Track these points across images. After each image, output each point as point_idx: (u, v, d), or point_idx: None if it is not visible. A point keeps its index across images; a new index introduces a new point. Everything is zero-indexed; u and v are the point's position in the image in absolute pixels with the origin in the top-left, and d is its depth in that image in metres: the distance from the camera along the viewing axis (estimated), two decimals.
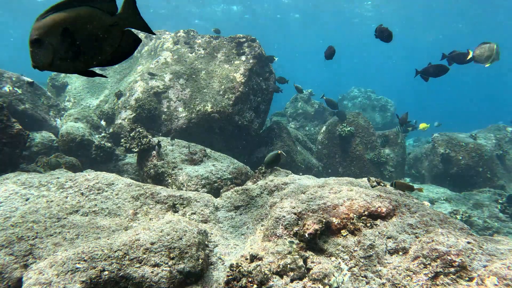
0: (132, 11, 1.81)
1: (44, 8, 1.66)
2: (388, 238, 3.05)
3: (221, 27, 11.99)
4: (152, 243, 3.05)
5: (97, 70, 11.24)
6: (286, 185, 4.77)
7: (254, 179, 5.89)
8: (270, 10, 33.31)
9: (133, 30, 1.90)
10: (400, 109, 19.77)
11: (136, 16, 1.84)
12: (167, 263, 2.93)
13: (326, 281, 2.71)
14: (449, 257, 2.65)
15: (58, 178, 4.37)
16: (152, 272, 2.84)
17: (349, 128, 10.71)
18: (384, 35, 5.37)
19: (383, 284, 2.72)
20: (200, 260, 3.09)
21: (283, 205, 3.63)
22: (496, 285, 2.41)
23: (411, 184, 3.98)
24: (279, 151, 5.61)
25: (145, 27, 1.90)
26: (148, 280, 2.78)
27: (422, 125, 10.57)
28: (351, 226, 3.19)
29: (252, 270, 2.75)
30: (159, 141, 6.49)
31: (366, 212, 3.28)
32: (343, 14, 32.66)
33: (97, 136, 8.33)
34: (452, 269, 2.60)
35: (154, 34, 1.96)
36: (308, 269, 2.81)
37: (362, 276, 2.81)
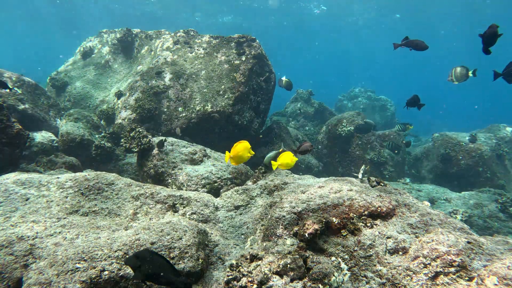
0: None
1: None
2: (388, 237, 3.05)
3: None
4: (152, 243, 3.05)
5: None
6: (286, 185, 4.77)
7: (254, 179, 5.89)
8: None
9: None
10: (400, 109, 19.81)
11: None
12: None
13: (326, 280, 2.71)
14: (449, 257, 2.65)
15: (58, 178, 4.37)
16: None
17: (349, 128, 10.71)
18: (492, 32, 4.31)
19: (383, 283, 2.72)
20: (200, 260, 3.09)
21: (283, 205, 3.63)
22: (496, 284, 2.41)
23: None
24: (281, 149, 5.54)
25: None
26: None
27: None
28: (351, 226, 3.19)
29: (252, 270, 2.75)
30: (165, 139, 6.52)
31: (366, 212, 3.28)
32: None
33: (97, 136, 8.33)
34: (452, 269, 2.60)
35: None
36: (308, 269, 2.81)
37: (362, 276, 2.81)
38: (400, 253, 2.91)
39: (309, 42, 47.54)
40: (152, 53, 10.32)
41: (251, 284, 2.64)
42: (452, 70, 5.48)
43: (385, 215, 3.29)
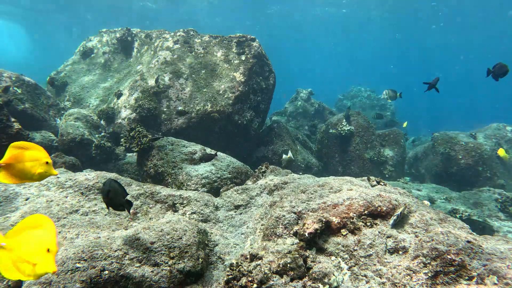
0: None
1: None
2: (388, 237, 3.05)
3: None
4: (152, 243, 3.05)
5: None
6: (286, 184, 4.77)
7: (254, 179, 5.89)
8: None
9: None
10: (399, 109, 19.81)
11: None
12: (167, 263, 2.93)
13: (326, 280, 2.71)
14: (449, 256, 2.65)
15: (58, 177, 4.37)
16: (152, 271, 2.84)
17: (349, 128, 10.71)
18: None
19: (383, 283, 2.72)
20: (200, 259, 3.09)
21: (283, 204, 3.63)
22: (496, 284, 2.42)
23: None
24: (289, 155, 6.52)
25: None
26: (148, 279, 2.78)
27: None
28: (351, 225, 3.19)
29: (252, 269, 2.75)
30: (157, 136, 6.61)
31: (366, 211, 3.28)
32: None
33: (97, 135, 8.33)
34: (452, 268, 2.60)
35: None
36: (308, 268, 2.81)
37: (362, 275, 2.81)
38: (400, 252, 2.91)
39: (311, 42, 47.60)
40: (152, 52, 10.31)
41: (251, 284, 2.64)
42: (385, 92, 7.23)
43: (385, 215, 3.29)
